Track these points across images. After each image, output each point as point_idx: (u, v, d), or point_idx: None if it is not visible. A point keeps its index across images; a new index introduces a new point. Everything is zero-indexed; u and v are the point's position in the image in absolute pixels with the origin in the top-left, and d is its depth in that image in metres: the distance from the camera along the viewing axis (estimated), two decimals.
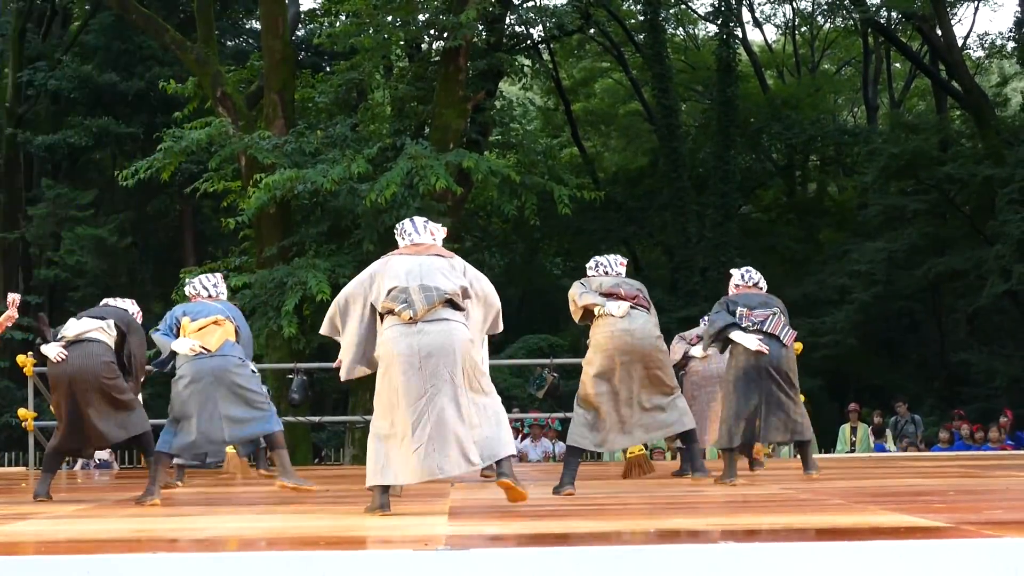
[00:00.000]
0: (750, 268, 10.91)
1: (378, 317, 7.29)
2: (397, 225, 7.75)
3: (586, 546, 4.93)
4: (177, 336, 9.07)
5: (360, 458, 19.49)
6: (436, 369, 6.90)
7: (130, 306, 9.62)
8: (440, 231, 7.73)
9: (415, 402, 6.86)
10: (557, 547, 4.94)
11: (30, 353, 15.36)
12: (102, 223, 28.00)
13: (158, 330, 9.21)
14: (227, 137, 19.72)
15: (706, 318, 11.55)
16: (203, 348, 8.91)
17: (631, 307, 9.46)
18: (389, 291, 7.16)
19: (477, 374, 7.12)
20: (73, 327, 9.18)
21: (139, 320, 9.53)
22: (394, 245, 7.72)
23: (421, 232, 7.58)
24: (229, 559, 4.86)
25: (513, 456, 7.13)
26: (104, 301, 9.65)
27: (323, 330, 7.72)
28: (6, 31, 29.85)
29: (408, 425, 6.87)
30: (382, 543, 5.49)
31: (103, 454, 16.80)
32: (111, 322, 9.20)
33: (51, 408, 9.93)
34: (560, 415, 17.87)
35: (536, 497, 8.23)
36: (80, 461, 16.67)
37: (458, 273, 7.39)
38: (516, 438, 19.12)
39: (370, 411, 7.09)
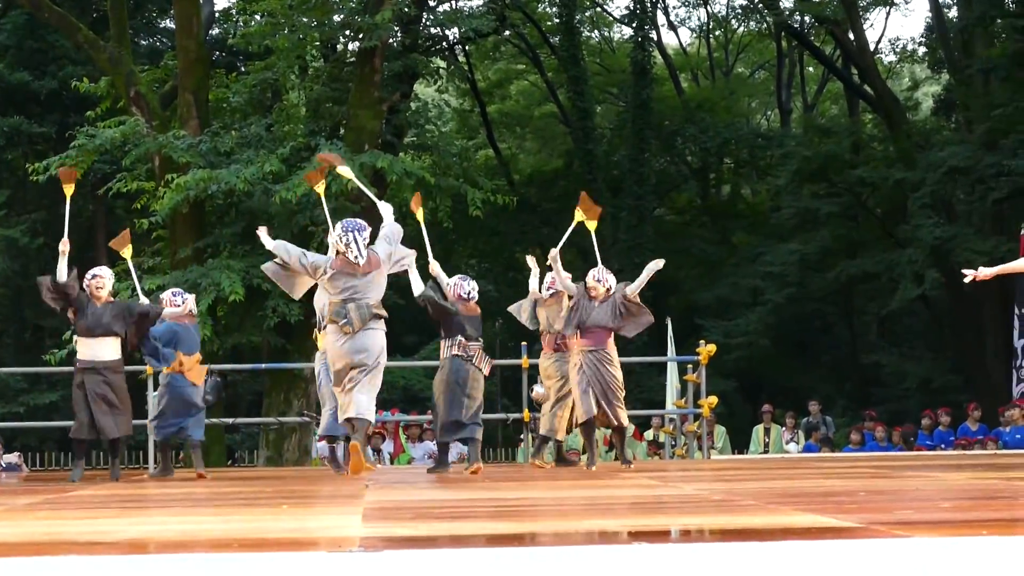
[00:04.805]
0: (465, 277, 12.10)
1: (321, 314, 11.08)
2: (339, 236, 10.30)
3: (500, 547, 4.94)
4: None
5: (274, 460, 19.39)
6: (361, 362, 10.32)
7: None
8: (366, 230, 10.45)
9: (343, 380, 10.40)
10: (471, 548, 4.95)
11: None
12: (14, 224, 27.67)
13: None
14: (141, 136, 19.56)
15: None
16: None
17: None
18: (331, 303, 10.41)
19: (380, 364, 10.53)
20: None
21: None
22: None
23: (362, 259, 10.36)
24: (141, 562, 4.82)
25: (368, 423, 10.35)
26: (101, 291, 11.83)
27: (274, 247, 10.78)
28: None
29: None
30: (295, 545, 5.47)
31: (11, 457, 16.57)
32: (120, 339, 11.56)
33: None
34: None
35: (450, 498, 8.24)
36: None
37: (376, 268, 10.45)
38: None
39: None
